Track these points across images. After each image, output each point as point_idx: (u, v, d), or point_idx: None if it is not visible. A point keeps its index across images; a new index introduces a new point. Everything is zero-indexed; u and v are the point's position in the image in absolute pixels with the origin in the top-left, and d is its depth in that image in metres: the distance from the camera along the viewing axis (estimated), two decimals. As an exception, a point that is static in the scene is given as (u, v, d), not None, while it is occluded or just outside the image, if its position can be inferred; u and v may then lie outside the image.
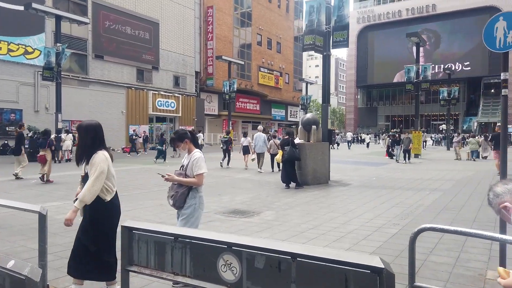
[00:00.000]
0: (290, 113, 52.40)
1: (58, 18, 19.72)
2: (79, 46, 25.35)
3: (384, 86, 65.30)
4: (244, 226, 5.95)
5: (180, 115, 32.89)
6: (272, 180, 11.80)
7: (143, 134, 27.07)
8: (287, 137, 10.33)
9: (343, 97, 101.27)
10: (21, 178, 11.30)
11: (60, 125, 19.88)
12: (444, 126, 55.31)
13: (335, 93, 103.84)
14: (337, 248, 4.68)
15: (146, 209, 7.26)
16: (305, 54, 74.70)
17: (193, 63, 34.79)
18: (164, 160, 18.35)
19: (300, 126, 11.45)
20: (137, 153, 24.68)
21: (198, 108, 35.30)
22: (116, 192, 3.35)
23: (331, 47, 12.27)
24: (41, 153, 10.81)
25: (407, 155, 19.14)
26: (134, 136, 24.91)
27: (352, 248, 4.68)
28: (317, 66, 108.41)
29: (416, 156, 22.27)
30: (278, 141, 13.33)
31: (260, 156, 14.22)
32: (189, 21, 34.18)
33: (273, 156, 13.71)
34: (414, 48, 24.11)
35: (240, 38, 41.61)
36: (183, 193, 3.78)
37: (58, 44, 19.54)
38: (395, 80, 61.59)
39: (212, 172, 13.78)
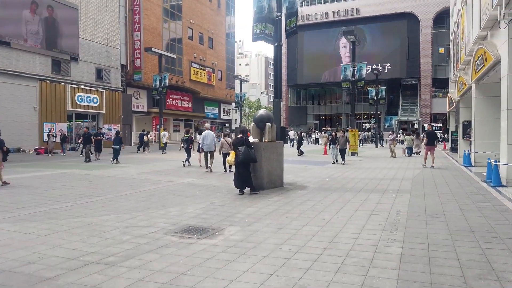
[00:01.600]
0: (224, 111, 51.12)
1: (-52, -8, 16.20)
2: (-22, 29, 21.47)
3: (313, 86, 66.93)
4: (209, 253, 4.55)
5: (104, 111, 29.83)
6: (221, 184, 10.43)
7: (59, 133, 23.81)
8: (241, 135, 9.04)
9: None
10: None
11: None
12: (367, 125, 58.27)
13: (265, 91, 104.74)
14: (349, 284, 3.52)
15: (70, 232, 5.47)
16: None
17: (118, 55, 31.79)
18: (116, 160, 16.61)
19: (252, 124, 10.22)
20: (51, 154, 21.73)
21: (124, 104, 32.39)
22: None
23: (284, 36, 11.23)
24: None
25: (342, 156, 17.26)
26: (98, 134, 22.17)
27: (366, 284, 3.55)
28: (247, 64, 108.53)
29: (353, 154, 22.35)
30: (230, 140, 12.02)
31: (208, 155, 13.48)
32: (113, 8, 31.13)
33: (225, 156, 12.51)
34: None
35: (170, 31, 39.26)
36: None
37: None
38: (322, 80, 63.44)
39: (150, 176, 12.01)
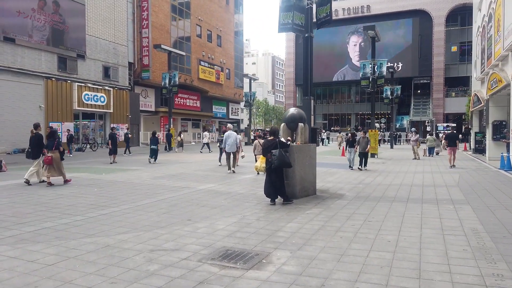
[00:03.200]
0: (232, 110, 50.10)
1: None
2: (-19, 24, 20.56)
3: (321, 85, 65.71)
4: (267, 294, 3.46)
5: (111, 111, 28.89)
6: (246, 191, 9.35)
7: (66, 133, 22.88)
8: (272, 137, 7.96)
9: (280, 96, 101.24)
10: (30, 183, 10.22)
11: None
12: (377, 125, 56.96)
13: (272, 91, 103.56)
14: None
15: (83, 259, 4.40)
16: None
17: (126, 53, 30.84)
18: (155, 160, 17.08)
19: (283, 124, 9.13)
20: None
21: (132, 103, 31.44)
22: None
23: (316, 26, 10.13)
24: (48, 154, 10.31)
25: (363, 160, 14.95)
26: (129, 135, 23.50)
27: None
28: (253, 63, 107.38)
29: (373, 155, 21.21)
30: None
31: (230, 155, 13.31)
32: (121, 5, 30.17)
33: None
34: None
35: (178, 28, 38.26)
36: None
37: (-52, 17, 15.05)
38: (330, 79, 62.17)
39: (165, 181, 10.93)
